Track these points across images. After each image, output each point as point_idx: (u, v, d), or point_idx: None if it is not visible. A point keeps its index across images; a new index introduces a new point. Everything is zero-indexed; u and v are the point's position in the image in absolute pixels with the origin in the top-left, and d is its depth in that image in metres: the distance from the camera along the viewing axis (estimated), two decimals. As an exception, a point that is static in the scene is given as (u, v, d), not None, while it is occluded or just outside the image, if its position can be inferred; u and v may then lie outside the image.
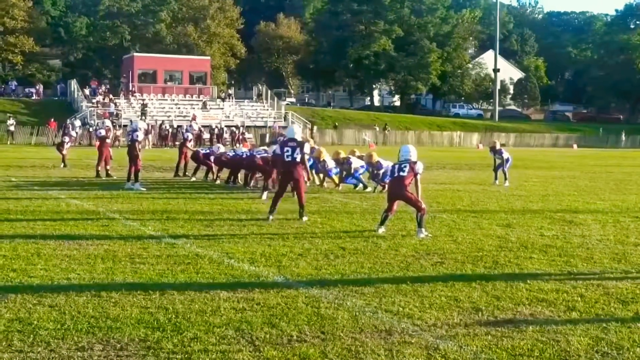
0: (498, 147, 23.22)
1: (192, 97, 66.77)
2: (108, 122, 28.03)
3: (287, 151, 13.16)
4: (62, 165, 26.55)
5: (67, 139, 28.76)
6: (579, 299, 7.66)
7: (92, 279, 8.18)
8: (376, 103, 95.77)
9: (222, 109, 64.61)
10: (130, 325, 6.42)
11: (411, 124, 73.01)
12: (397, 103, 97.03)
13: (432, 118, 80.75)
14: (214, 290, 7.71)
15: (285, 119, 63.99)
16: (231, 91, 73.73)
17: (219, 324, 6.53)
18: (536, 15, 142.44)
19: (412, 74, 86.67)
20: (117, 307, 7.01)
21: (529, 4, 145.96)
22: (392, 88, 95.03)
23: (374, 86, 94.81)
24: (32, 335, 6.10)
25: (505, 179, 22.28)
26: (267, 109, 67.36)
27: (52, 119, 56.24)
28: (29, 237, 10.75)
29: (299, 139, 13.55)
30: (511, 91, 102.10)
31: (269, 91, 71.15)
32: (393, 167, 12.31)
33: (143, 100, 62.64)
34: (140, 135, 19.58)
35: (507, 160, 22.58)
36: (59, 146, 27.92)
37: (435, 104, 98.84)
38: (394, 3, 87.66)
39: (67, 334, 6.15)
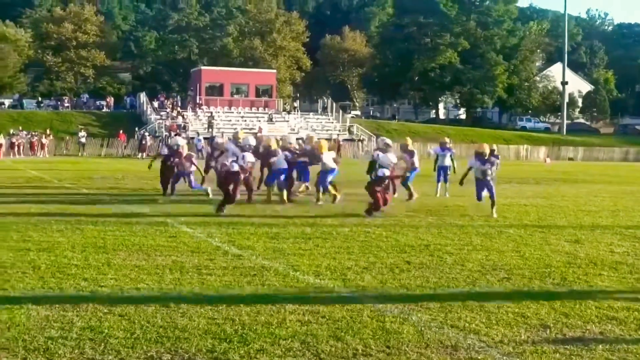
0: (410, 148, 21.07)
1: (258, 109, 67.47)
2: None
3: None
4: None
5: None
6: (651, 318, 7.48)
7: (161, 289, 8.33)
8: (441, 116, 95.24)
9: (287, 121, 65.09)
10: (198, 336, 6.52)
11: (477, 137, 72.20)
12: (463, 116, 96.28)
13: (499, 131, 79.78)
14: (280, 303, 7.76)
15: (349, 131, 64.12)
16: (296, 104, 74.33)
17: (285, 336, 6.58)
18: (606, 27, 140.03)
19: (478, 87, 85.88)
20: (184, 317, 7.12)
21: (599, 15, 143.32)
22: (458, 101, 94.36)
23: (439, 99, 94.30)
24: (102, 344, 6.25)
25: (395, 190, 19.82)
26: (332, 122, 67.62)
27: (121, 131, 57.49)
28: (100, 247, 11.01)
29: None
30: (580, 104, 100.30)
31: (334, 104, 71.43)
32: None
33: (210, 113, 63.54)
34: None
35: (415, 169, 20.45)
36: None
37: (501, 117, 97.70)
38: (460, 16, 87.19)
39: (136, 343, 6.28)
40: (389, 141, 20.06)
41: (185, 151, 19.20)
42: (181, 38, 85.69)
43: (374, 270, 9.66)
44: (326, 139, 21.45)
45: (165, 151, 19.78)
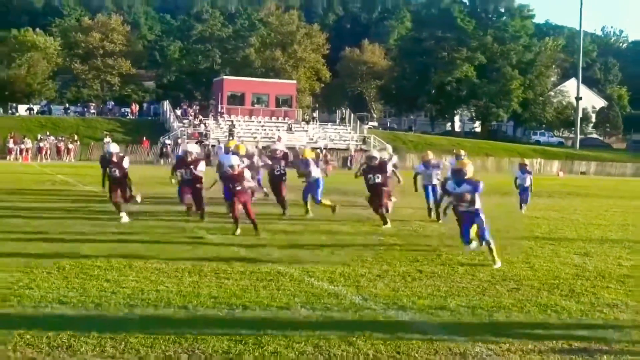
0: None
1: (277, 119, 67.66)
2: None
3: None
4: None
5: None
6: (656, 330, 7.48)
7: (180, 291, 8.41)
8: (457, 129, 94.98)
9: (306, 131, 65.23)
10: (215, 337, 6.59)
11: (492, 150, 72.06)
12: (478, 129, 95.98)
13: (513, 145, 79.44)
14: (294, 307, 7.83)
15: (365, 142, 64.17)
16: (315, 114, 74.36)
17: (299, 339, 6.63)
18: (620, 44, 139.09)
19: (494, 101, 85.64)
20: (202, 320, 7.20)
21: (614, 32, 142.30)
22: (474, 114, 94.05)
23: (455, 112, 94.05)
24: (123, 343, 6.34)
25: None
26: (350, 132, 67.70)
27: (145, 138, 57.84)
28: (122, 250, 11.12)
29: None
30: (593, 120, 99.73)
31: (352, 115, 71.52)
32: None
33: (231, 121, 63.81)
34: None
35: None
36: None
37: (515, 131, 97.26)
38: (477, 31, 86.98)
39: (155, 343, 6.36)
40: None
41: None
42: (204, 48, 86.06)
43: (386, 278, 9.70)
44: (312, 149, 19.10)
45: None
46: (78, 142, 56.97)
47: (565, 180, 49.16)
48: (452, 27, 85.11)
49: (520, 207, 21.05)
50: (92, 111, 70.18)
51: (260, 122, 66.57)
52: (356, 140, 64.59)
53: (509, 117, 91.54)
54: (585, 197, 30.54)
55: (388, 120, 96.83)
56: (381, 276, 9.79)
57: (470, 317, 7.70)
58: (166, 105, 67.92)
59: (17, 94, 75.19)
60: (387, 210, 15.89)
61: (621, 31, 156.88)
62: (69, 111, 69.85)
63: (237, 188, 13.40)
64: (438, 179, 17.15)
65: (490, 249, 11.03)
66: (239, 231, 13.51)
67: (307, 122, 69.07)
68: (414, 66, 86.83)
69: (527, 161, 25.71)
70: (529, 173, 21.77)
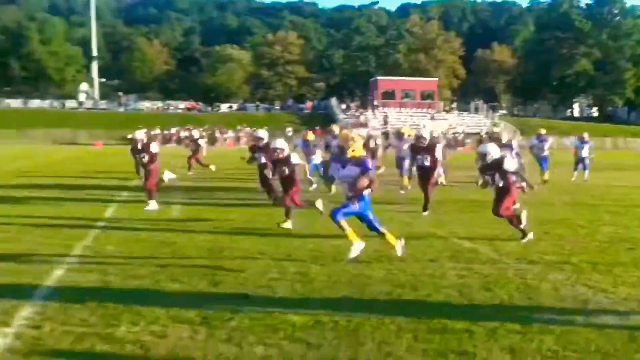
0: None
1: (422, 110, 66.99)
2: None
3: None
4: None
5: None
6: None
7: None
8: (576, 114, 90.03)
9: (446, 119, 64.15)
10: (379, 283, 6.74)
11: (609, 132, 67.64)
12: (595, 114, 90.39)
13: (628, 127, 74.14)
14: (441, 261, 7.84)
15: (494, 126, 62.19)
16: (454, 105, 73.03)
17: (446, 285, 6.66)
18: None
19: (609, 90, 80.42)
20: (368, 269, 7.36)
21: None
22: (591, 101, 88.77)
23: (574, 100, 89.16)
24: (310, 284, 6.63)
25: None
26: (483, 120, 65.94)
27: (317, 127, 58.94)
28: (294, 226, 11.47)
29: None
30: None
31: (485, 105, 69.73)
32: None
33: (385, 113, 63.87)
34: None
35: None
36: None
37: (630, 115, 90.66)
38: (593, 30, 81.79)
39: (335, 286, 6.60)
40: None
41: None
42: (362, 55, 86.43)
43: (516, 238, 9.45)
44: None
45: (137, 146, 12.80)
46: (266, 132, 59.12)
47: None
48: (571, 28, 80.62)
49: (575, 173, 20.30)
50: (276, 107, 72.54)
51: (408, 112, 66.17)
52: (488, 126, 62.78)
53: (624, 102, 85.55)
54: (694, 171, 28.10)
55: (515, 109, 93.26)
56: (513, 236, 9.55)
57: (591, 271, 7.38)
58: (333, 101, 69.14)
59: (220, 95, 79.05)
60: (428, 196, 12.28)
61: None
62: (259, 108, 72.54)
63: (285, 172, 10.22)
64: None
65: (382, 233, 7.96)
66: (287, 224, 10.10)
67: (447, 112, 67.99)
68: (537, 63, 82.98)
69: (635, 139, 23.88)
70: (587, 143, 20.52)
